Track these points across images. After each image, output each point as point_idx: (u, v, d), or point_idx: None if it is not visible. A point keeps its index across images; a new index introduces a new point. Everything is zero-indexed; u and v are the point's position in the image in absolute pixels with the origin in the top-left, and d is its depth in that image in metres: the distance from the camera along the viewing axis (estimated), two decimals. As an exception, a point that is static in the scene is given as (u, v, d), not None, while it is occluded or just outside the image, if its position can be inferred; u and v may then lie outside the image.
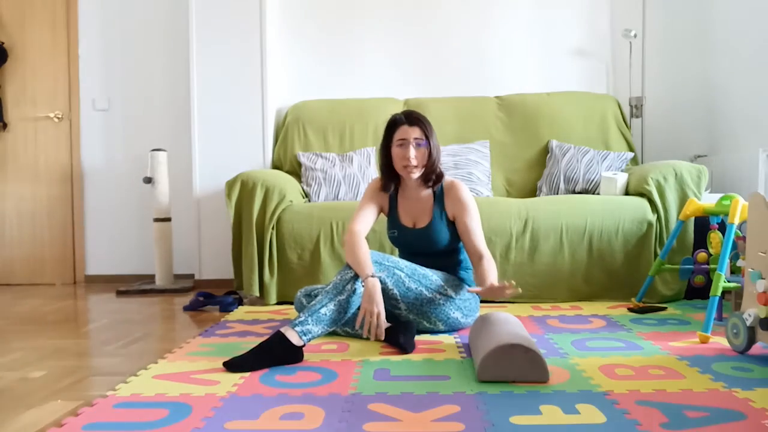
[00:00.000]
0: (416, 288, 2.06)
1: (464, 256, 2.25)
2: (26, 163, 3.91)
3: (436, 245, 2.18)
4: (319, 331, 1.86)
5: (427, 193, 2.21)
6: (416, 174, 2.12)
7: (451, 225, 2.18)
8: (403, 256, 2.29)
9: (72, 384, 1.69)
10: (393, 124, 2.13)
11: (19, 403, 1.53)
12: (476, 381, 1.61)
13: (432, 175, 2.16)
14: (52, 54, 3.88)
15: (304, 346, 1.83)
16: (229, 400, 1.50)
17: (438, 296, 2.10)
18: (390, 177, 2.20)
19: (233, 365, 1.74)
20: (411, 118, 2.11)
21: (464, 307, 2.16)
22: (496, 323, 1.82)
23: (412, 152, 2.08)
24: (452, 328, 2.18)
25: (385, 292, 2.03)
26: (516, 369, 1.59)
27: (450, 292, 2.13)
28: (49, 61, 3.88)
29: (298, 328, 1.82)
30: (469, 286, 2.22)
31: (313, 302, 1.91)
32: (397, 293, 2.05)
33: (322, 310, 1.87)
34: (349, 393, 1.54)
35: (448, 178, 2.22)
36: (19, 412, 1.46)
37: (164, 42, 3.87)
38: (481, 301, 2.56)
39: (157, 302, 3.08)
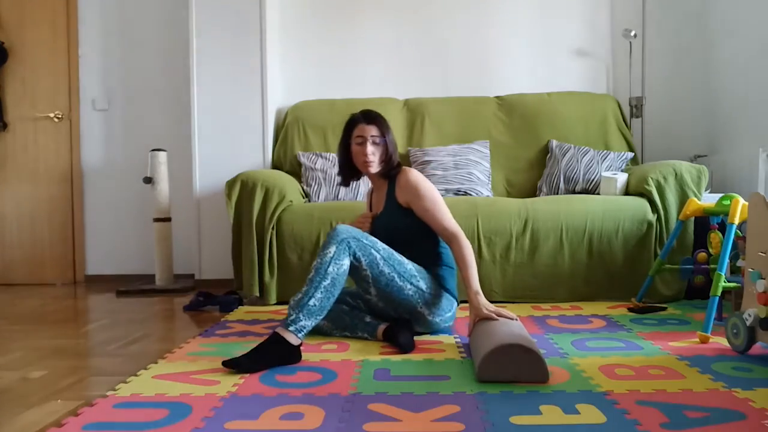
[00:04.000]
0: (389, 273, 2.02)
1: (444, 251, 2.21)
2: (26, 163, 3.91)
3: (392, 232, 2.17)
4: (313, 323, 1.86)
5: (386, 183, 2.24)
6: (374, 169, 2.19)
7: (408, 212, 2.16)
8: None
9: (72, 384, 1.69)
10: (351, 123, 2.22)
11: (19, 403, 1.53)
12: (476, 381, 1.62)
13: (390, 170, 2.21)
14: (52, 54, 3.88)
15: (301, 344, 1.84)
16: (229, 400, 1.50)
17: (408, 285, 2.05)
18: (349, 173, 2.28)
19: (232, 365, 1.74)
20: (368, 116, 2.19)
21: (432, 304, 2.10)
22: (495, 323, 1.82)
23: (370, 149, 2.16)
24: (417, 323, 2.13)
25: (358, 271, 2.00)
26: (516, 369, 1.59)
27: (421, 284, 2.08)
28: (49, 61, 3.88)
29: (291, 327, 1.81)
30: (448, 287, 2.17)
31: (300, 295, 1.87)
32: (370, 275, 2.01)
33: (311, 302, 1.85)
34: (349, 393, 1.53)
35: (404, 167, 2.23)
36: (19, 412, 1.46)
37: (164, 42, 3.87)
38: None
39: (157, 302, 3.08)
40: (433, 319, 2.13)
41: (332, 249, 1.92)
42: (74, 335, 2.33)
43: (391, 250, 2.07)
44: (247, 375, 1.70)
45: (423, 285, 2.08)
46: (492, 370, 1.60)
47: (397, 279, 2.04)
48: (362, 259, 1.98)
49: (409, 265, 2.08)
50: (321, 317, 1.88)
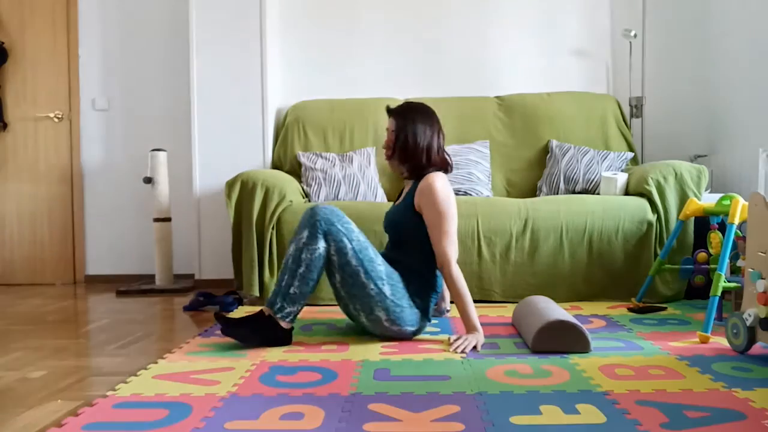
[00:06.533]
0: (355, 265, 1.94)
1: (434, 276, 2.11)
2: (26, 163, 3.91)
3: (396, 228, 2.15)
4: (299, 307, 1.98)
5: (411, 181, 2.16)
6: (390, 161, 2.17)
7: (416, 216, 2.06)
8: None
9: (72, 384, 1.69)
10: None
11: (19, 403, 1.53)
12: (531, 351, 1.89)
13: (407, 165, 2.12)
14: (52, 54, 3.88)
15: (292, 327, 2.03)
16: (229, 400, 1.50)
17: (372, 285, 1.95)
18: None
19: (225, 325, 1.95)
20: (391, 109, 2.17)
21: (393, 312, 1.99)
22: (541, 305, 2.09)
23: (387, 141, 2.15)
24: (375, 327, 2.05)
25: (327, 253, 1.95)
26: (564, 342, 1.87)
27: (386, 288, 1.97)
28: (49, 61, 3.88)
29: (279, 315, 1.97)
30: (425, 307, 2.09)
31: (281, 283, 1.97)
32: (336, 261, 1.95)
33: (291, 290, 1.95)
34: (349, 393, 1.54)
35: (433, 172, 2.09)
36: (19, 412, 1.46)
37: (164, 42, 3.87)
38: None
39: (157, 302, 3.08)
40: (390, 326, 2.03)
41: (305, 234, 1.96)
42: (74, 335, 2.34)
43: (368, 244, 2.00)
44: (247, 375, 1.70)
45: (387, 290, 1.97)
46: (544, 342, 1.87)
47: (362, 274, 1.95)
48: (331, 243, 1.95)
49: (381, 267, 1.98)
50: (306, 299, 1.97)
